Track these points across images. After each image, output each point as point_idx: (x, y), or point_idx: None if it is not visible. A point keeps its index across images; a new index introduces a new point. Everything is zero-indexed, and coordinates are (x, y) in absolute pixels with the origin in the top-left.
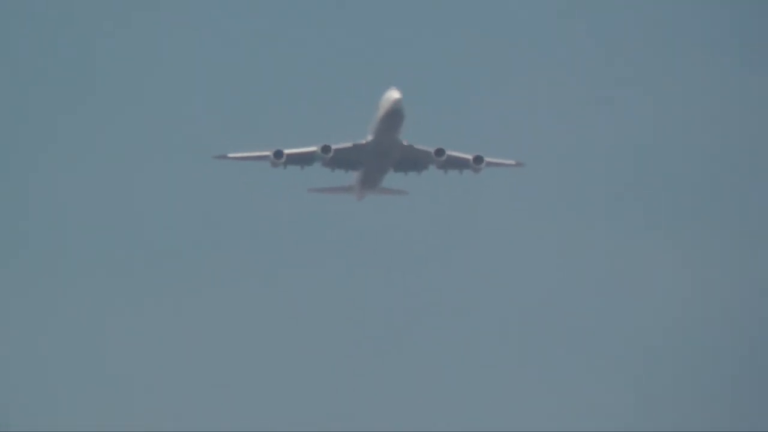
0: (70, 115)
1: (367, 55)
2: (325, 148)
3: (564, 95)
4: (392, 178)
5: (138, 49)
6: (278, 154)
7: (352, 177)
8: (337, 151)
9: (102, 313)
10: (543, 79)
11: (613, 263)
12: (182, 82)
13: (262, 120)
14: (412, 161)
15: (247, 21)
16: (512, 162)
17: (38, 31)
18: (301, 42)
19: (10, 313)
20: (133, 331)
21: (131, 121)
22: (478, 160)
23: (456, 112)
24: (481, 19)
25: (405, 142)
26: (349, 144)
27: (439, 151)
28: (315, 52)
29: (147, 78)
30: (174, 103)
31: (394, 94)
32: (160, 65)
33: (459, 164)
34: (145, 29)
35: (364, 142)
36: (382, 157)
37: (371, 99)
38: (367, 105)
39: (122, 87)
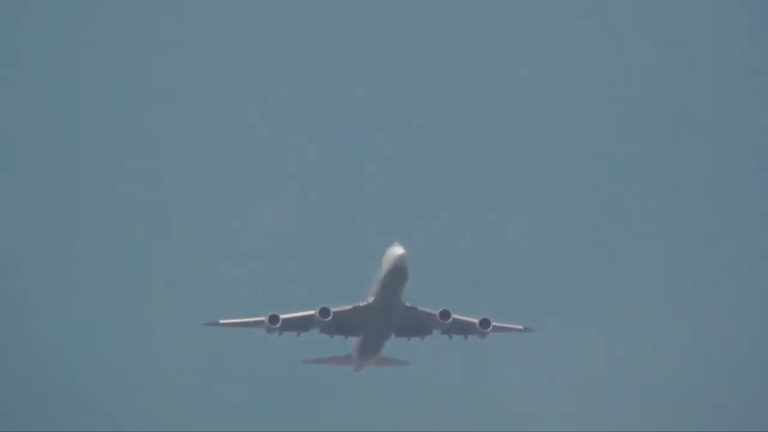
0: None
1: (368, 207)
2: (324, 311)
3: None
4: (394, 344)
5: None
6: (274, 319)
7: (351, 345)
8: (336, 314)
9: None
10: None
11: None
12: (171, 250)
13: (251, 283)
14: (416, 325)
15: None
16: (520, 327)
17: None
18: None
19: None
20: None
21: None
22: (485, 323)
23: (460, 272)
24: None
25: (408, 304)
26: (348, 306)
27: (444, 314)
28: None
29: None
30: (161, 268)
31: (397, 250)
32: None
33: (465, 328)
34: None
35: (364, 304)
36: (383, 320)
37: (371, 258)
38: (365, 266)
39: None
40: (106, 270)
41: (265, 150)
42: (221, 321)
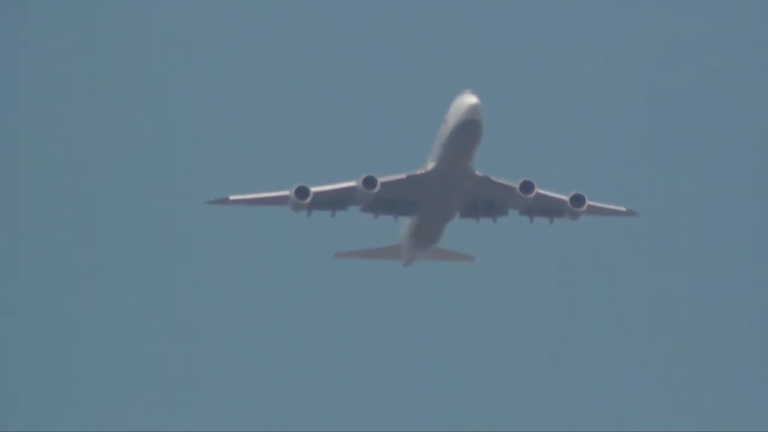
0: None
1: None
2: (369, 181)
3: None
4: (457, 229)
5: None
6: (302, 192)
7: (399, 232)
8: (385, 184)
9: None
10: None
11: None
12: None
13: (272, 153)
14: (488, 201)
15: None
16: (622, 209)
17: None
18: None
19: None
20: None
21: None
22: (578, 201)
23: (543, 141)
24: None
25: (479, 173)
26: (401, 176)
27: (526, 186)
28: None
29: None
30: (157, 130)
31: (469, 99)
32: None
33: (551, 207)
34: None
35: (422, 171)
36: (447, 192)
37: (426, 122)
38: (419, 130)
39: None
40: None
41: None
42: (232, 197)
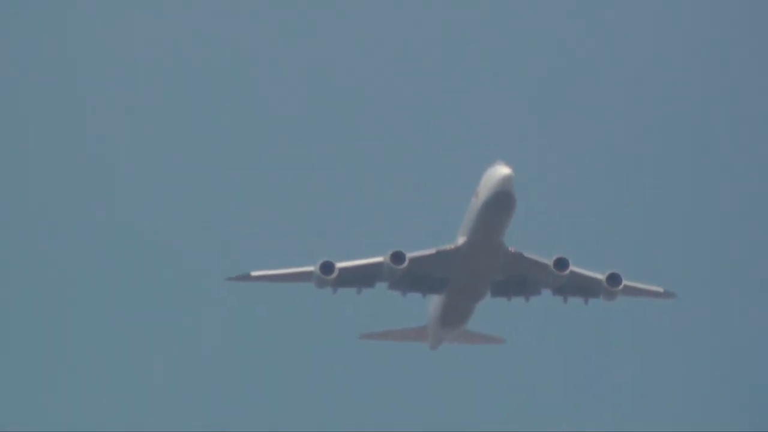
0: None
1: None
2: (397, 257)
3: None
4: (487, 308)
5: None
6: (327, 268)
7: (426, 313)
8: (414, 260)
9: None
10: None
11: None
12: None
13: (296, 227)
14: (519, 279)
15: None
16: (660, 290)
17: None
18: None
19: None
20: None
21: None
22: (614, 280)
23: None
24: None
25: (512, 249)
26: (431, 251)
27: (561, 263)
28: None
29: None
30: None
31: (501, 170)
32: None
33: (585, 287)
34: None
35: (452, 246)
36: (479, 268)
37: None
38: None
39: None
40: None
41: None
42: (253, 273)
